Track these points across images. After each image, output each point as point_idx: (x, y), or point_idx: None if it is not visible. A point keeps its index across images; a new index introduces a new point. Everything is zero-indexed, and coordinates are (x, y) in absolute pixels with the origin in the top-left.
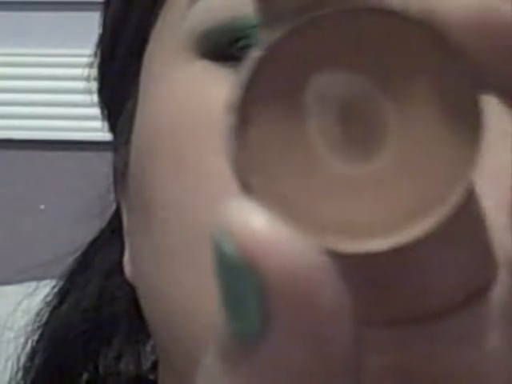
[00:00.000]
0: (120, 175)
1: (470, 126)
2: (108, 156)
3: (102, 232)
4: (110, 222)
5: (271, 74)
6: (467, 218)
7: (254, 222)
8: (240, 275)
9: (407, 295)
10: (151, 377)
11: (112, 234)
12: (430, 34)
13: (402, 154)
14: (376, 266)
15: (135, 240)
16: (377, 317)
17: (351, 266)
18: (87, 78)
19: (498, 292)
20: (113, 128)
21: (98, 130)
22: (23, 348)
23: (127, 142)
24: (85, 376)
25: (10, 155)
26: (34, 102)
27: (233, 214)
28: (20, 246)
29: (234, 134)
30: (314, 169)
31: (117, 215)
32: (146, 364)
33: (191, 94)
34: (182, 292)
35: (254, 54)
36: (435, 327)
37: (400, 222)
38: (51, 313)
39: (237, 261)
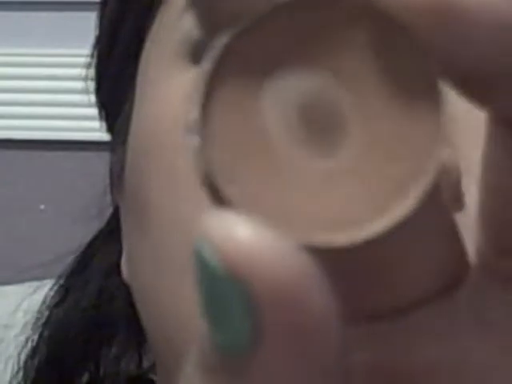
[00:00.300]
0: (117, 176)
1: (430, 107)
2: (108, 156)
3: (101, 232)
4: (108, 222)
5: (224, 86)
6: (438, 208)
7: (236, 232)
8: (225, 286)
9: (381, 285)
10: (152, 376)
11: (111, 234)
12: (376, 18)
13: (366, 143)
14: (350, 258)
15: (131, 242)
16: (354, 313)
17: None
18: (87, 78)
19: (467, 291)
20: (111, 129)
21: (97, 130)
22: (24, 348)
23: (124, 142)
24: (85, 376)
25: (10, 155)
26: (34, 102)
27: (214, 224)
28: (20, 246)
29: (200, 149)
30: (283, 169)
31: (115, 215)
32: (147, 363)
33: (185, 101)
34: (178, 296)
35: (205, 67)
36: (410, 321)
37: (380, 209)
38: (51, 312)
39: (221, 272)
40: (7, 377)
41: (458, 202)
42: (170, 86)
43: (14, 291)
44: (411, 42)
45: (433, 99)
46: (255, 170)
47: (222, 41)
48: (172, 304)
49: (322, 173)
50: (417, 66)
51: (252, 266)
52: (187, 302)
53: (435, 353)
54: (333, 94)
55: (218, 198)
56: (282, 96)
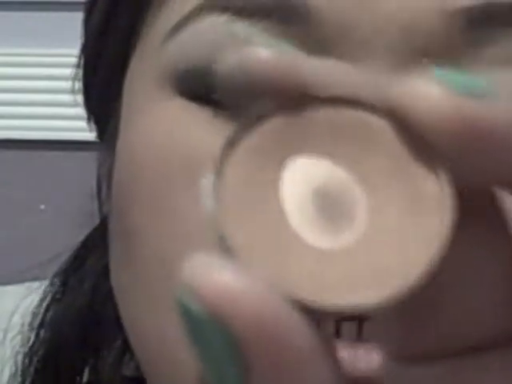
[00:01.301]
0: (107, 185)
1: (436, 211)
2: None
3: (93, 233)
4: (101, 223)
5: (245, 155)
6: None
7: (217, 276)
8: (210, 331)
9: (442, 330)
10: None
11: (104, 236)
12: (396, 125)
13: (368, 231)
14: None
15: (116, 262)
16: (421, 350)
17: None
18: (81, 79)
19: None
20: (101, 137)
21: None
22: (21, 348)
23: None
24: (85, 377)
25: (10, 155)
26: (33, 102)
27: (195, 270)
28: (20, 246)
29: (214, 212)
30: (290, 239)
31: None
32: None
33: (170, 135)
34: (155, 323)
35: (230, 134)
36: (483, 360)
37: (358, 291)
38: (46, 312)
39: (205, 317)
40: (6, 377)
41: None
42: (153, 117)
43: (14, 291)
44: (426, 147)
45: (440, 204)
46: (265, 237)
47: (252, 113)
48: (155, 334)
49: (324, 248)
50: (429, 169)
51: (231, 308)
52: (169, 333)
53: None
54: (346, 182)
55: (226, 246)
56: (301, 176)
